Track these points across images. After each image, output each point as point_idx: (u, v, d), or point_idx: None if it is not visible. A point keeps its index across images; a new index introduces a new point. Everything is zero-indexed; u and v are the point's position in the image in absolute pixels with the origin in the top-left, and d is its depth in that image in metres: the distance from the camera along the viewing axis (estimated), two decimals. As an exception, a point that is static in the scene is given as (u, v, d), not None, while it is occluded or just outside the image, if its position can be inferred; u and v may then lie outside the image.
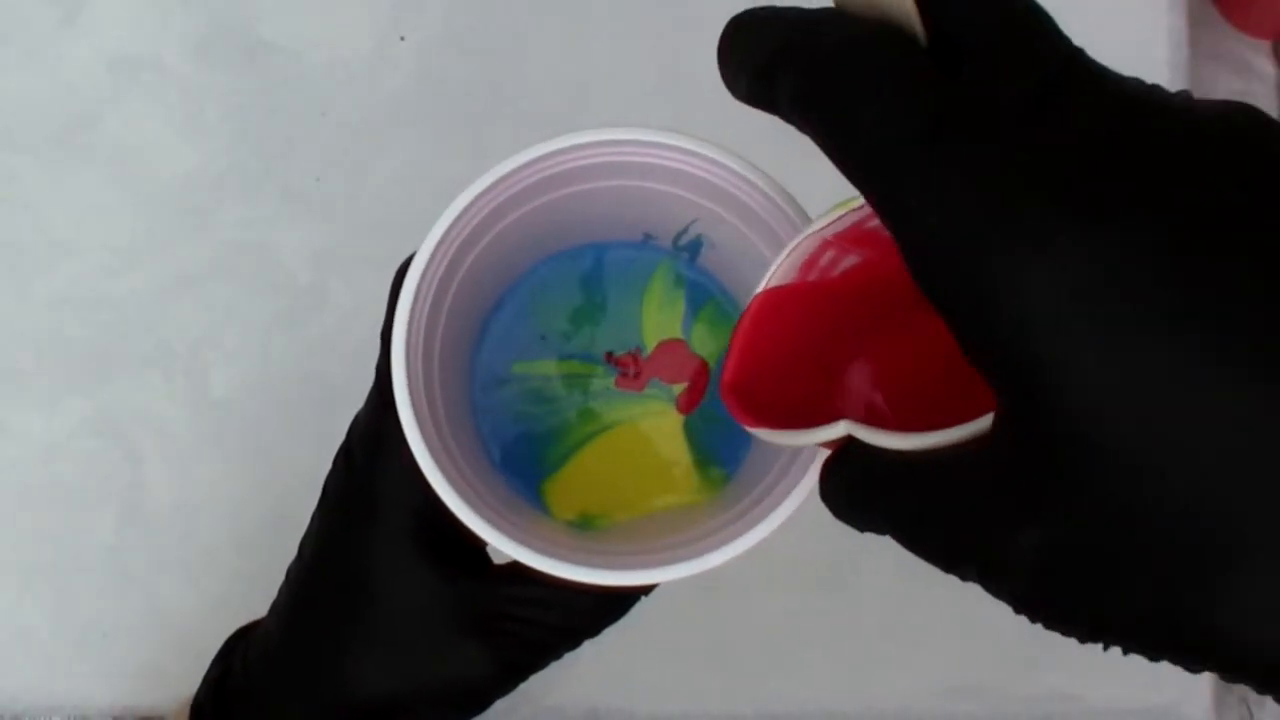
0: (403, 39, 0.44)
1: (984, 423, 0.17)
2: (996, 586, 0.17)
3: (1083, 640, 0.16)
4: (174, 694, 0.33)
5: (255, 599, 0.31)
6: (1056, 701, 0.42)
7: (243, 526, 0.42)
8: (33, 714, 0.42)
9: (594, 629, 0.28)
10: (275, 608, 0.29)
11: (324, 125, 0.44)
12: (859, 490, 0.20)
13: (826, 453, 0.21)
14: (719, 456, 0.30)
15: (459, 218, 0.26)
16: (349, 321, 0.43)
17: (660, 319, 0.31)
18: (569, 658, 0.42)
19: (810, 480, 0.25)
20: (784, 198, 0.26)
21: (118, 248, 0.43)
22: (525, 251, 0.30)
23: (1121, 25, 0.44)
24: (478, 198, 0.26)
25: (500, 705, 0.41)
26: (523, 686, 0.41)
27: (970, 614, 0.42)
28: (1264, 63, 0.48)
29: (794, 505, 0.25)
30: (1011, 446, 0.16)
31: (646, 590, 0.27)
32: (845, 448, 0.20)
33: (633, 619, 0.43)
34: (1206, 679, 0.42)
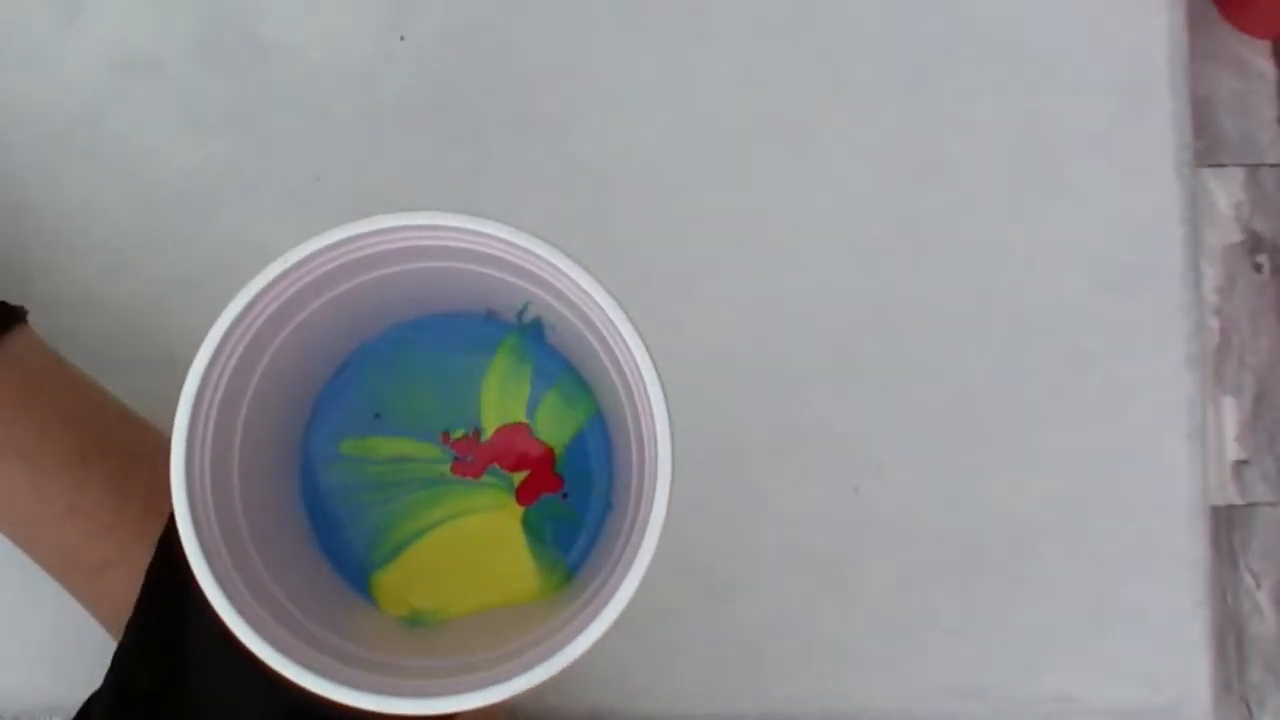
0: (403, 39, 0.44)
1: None
2: None
3: None
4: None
5: (255, 599, 0.31)
6: (1056, 701, 0.42)
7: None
8: (32, 714, 0.42)
9: None
10: (102, 691, 0.29)
11: (324, 125, 0.44)
12: None
13: (652, 552, 0.20)
14: (560, 552, 0.28)
15: (240, 316, 0.24)
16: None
17: (502, 401, 0.29)
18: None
19: (638, 574, 0.23)
20: (595, 287, 0.24)
21: (118, 248, 0.43)
22: (353, 328, 0.28)
23: (1121, 25, 0.44)
24: (266, 288, 0.24)
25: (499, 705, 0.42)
26: (523, 686, 0.41)
27: (970, 614, 0.42)
28: (1264, 63, 0.48)
29: (619, 608, 0.23)
30: None
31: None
32: None
33: (633, 619, 0.43)
34: (1207, 679, 0.42)
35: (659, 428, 0.23)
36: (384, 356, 0.29)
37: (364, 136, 0.44)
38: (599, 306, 0.24)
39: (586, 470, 0.29)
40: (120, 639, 0.29)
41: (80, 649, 0.42)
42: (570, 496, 0.28)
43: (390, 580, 0.28)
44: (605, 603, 0.23)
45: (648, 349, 0.23)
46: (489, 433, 0.29)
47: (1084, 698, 0.42)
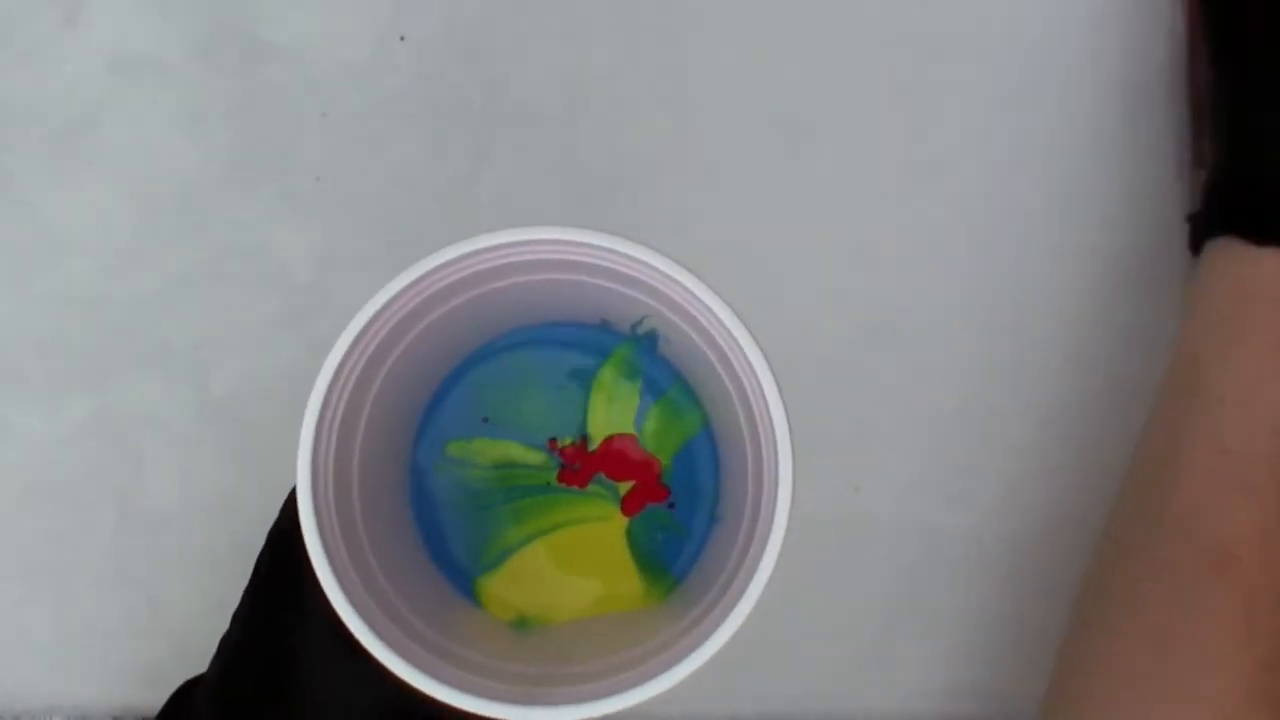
0: (403, 39, 0.44)
1: None
2: None
3: None
4: (174, 694, 0.33)
5: (255, 599, 0.31)
6: (1056, 701, 0.42)
7: (243, 526, 0.42)
8: (33, 714, 0.42)
9: None
10: (207, 683, 0.29)
11: (324, 125, 0.44)
12: None
13: (775, 559, 0.20)
14: (665, 562, 0.28)
15: (367, 326, 0.25)
16: (349, 322, 0.43)
17: (610, 410, 0.29)
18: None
19: (760, 584, 0.23)
20: (716, 301, 0.24)
21: (118, 248, 0.43)
22: (472, 336, 0.29)
23: (1122, 26, 0.44)
24: (397, 295, 0.25)
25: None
26: (523, 686, 0.41)
27: (970, 614, 0.42)
28: (1264, 63, 0.48)
29: (744, 614, 0.23)
30: None
31: None
32: None
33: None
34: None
35: (779, 439, 0.24)
36: (494, 364, 0.29)
37: (364, 136, 0.44)
38: (719, 320, 0.24)
39: (693, 482, 0.29)
40: (227, 630, 0.29)
41: (80, 649, 0.42)
42: (676, 507, 0.29)
43: (496, 585, 0.28)
44: (728, 612, 0.23)
45: (768, 362, 0.24)
46: (596, 442, 0.29)
47: (1084, 698, 0.42)
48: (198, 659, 0.32)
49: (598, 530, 0.28)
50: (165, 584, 0.42)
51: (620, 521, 0.28)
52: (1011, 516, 0.42)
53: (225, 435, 0.42)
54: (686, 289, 0.24)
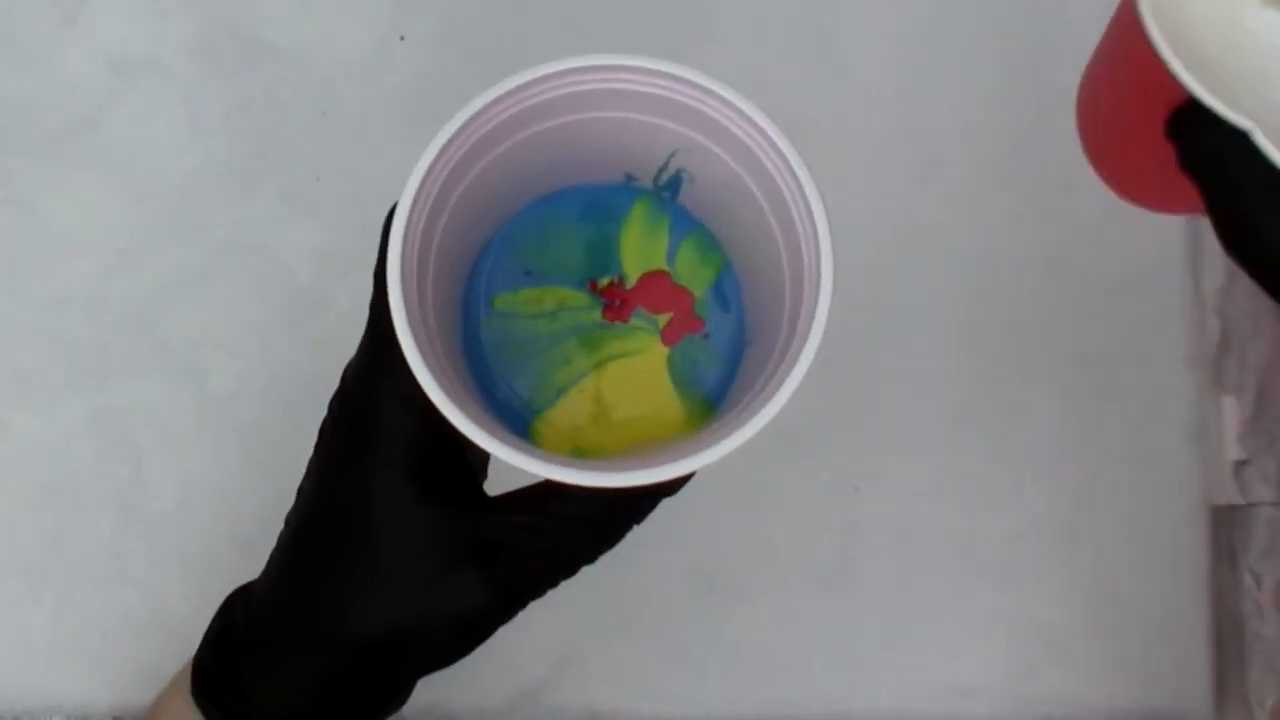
0: (403, 39, 0.44)
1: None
2: None
3: None
4: (174, 694, 0.33)
5: (255, 599, 0.31)
6: (1056, 702, 0.42)
7: (243, 526, 0.42)
8: (33, 714, 0.42)
9: (590, 555, 0.28)
10: (274, 555, 0.29)
11: (324, 125, 0.44)
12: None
13: (807, 368, 0.24)
14: (704, 388, 0.30)
15: (439, 155, 0.26)
16: (349, 321, 0.43)
17: (642, 249, 0.31)
18: (569, 661, 0.42)
19: (791, 389, 0.25)
20: (771, 126, 0.26)
21: (118, 248, 0.43)
22: (506, 194, 0.30)
23: (1121, 25, 0.44)
24: (456, 134, 0.26)
25: (501, 705, 0.42)
26: (523, 686, 0.41)
27: (970, 614, 0.42)
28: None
29: (779, 406, 0.25)
30: None
31: (639, 516, 0.28)
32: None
33: (633, 619, 0.43)
34: (1207, 679, 0.42)
35: (821, 235, 0.25)
36: (530, 222, 0.31)
37: (364, 136, 0.44)
38: (766, 136, 0.26)
39: (724, 312, 0.31)
40: (295, 501, 0.30)
41: (80, 649, 0.42)
42: (710, 337, 0.31)
43: (550, 424, 0.30)
44: (789, 371, 0.25)
45: (809, 171, 0.26)
46: (633, 279, 0.31)
47: (1084, 698, 0.42)
48: (198, 659, 0.32)
49: (642, 363, 0.31)
50: (165, 584, 0.42)
51: (661, 352, 0.30)
52: (1011, 516, 0.42)
53: (225, 435, 0.42)
54: (733, 106, 0.26)
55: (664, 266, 0.31)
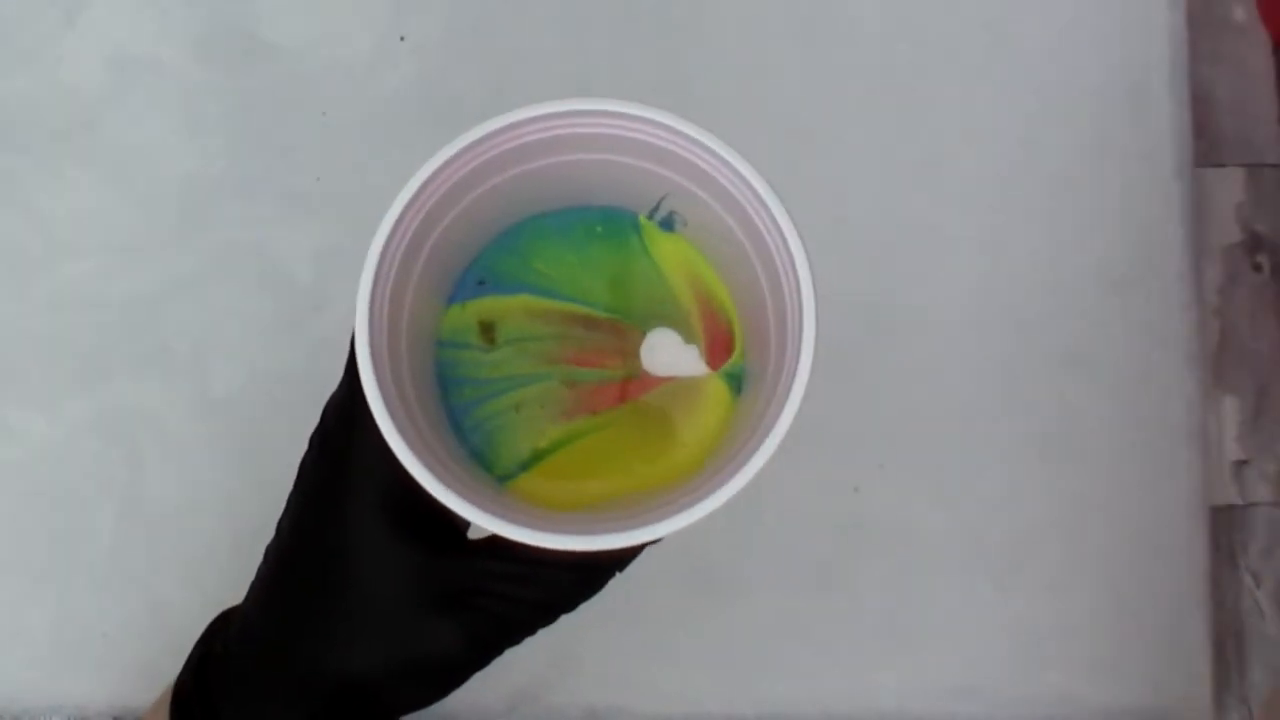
0: (403, 39, 0.44)
1: None
2: None
3: None
4: (174, 694, 0.33)
5: (255, 599, 0.31)
6: (1056, 702, 0.42)
7: (243, 526, 0.42)
8: (33, 714, 0.42)
9: (570, 604, 0.28)
10: (254, 589, 0.29)
11: (324, 125, 0.44)
12: None
13: (799, 402, 0.22)
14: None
15: (420, 190, 0.26)
16: (349, 321, 0.43)
17: (679, 252, 0.29)
18: (568, 661, 0.42)
19: (783, 429, 0.25)
20: (752, 173, 0.26)
21: (118, 248, 0.43)
22: (490, 227, 0.29)
23: (1121, 26, 0.44)
24: (438, 170, 0.26)
25: (500, 705, 0.42)
26: (522, 686, 0.41)
27: (970, 614, 0.42)
28: (1264, 63, 0.48)
29: (764, 459, 0.25)
30: None
31: (621, 565, 0.27)
32: None
33: (633, 619, 0.43)
34: (1207, 679, 0.42)
35: (804, 294, 0.25)
36: (529, 242, 0.30)
37: (364, 136, 0.44)
38: (746, 183, 0.26)
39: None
40: (273, 538, 0.29)
41: (80, 649, 0.42)
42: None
43: (529, 484, 0.29)
44: (768, 432, 0.25)
45: (792, 219, 0.25)
46: (678, 287, 0.29)
47: (1084, 698, 0.42)
48: (198, 659, 0.32)
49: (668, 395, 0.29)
50: (165, 584, 0.42)
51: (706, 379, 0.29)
52: (1011, 516, 0.42)
53: (225, 435, 0.42)
54: (719, 156, 0.26)
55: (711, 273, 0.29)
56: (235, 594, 0.37)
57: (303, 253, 0.43)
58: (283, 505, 0.30)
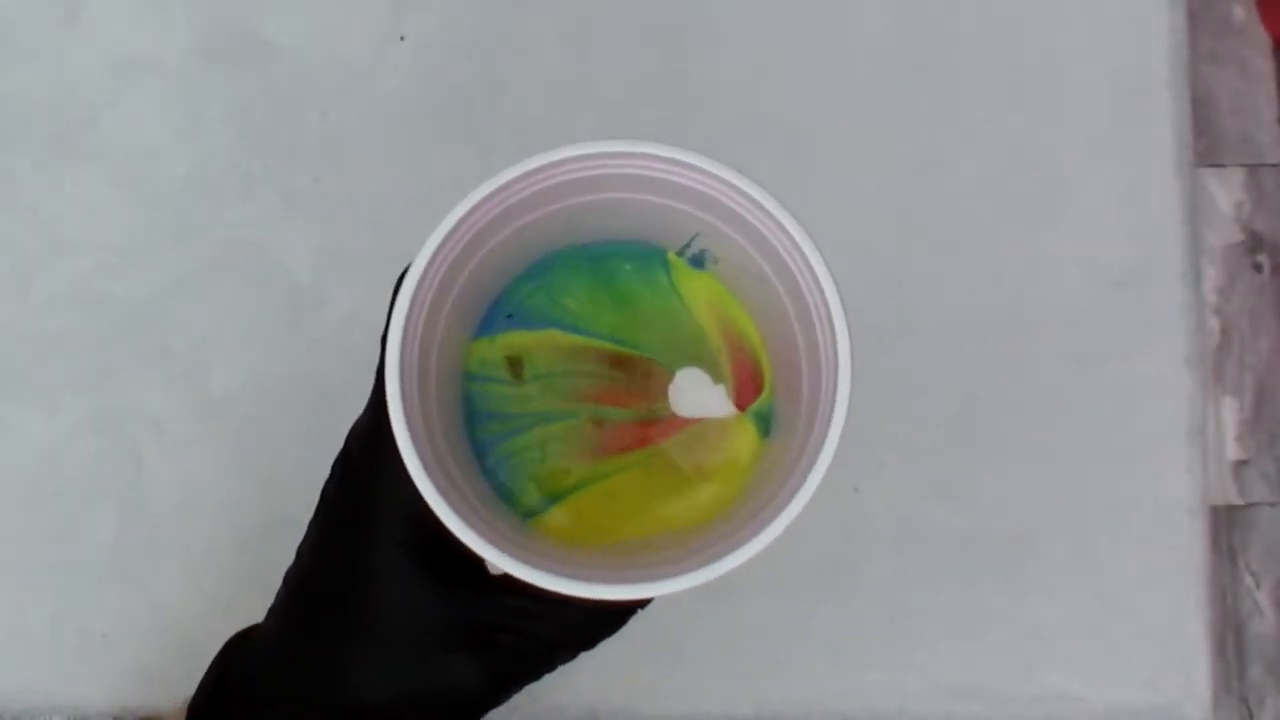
0: (403, 39, 0.44)
1: None
2: None
3: None
4: (174, 695, 0.33)
5: (255, 599, 0.31)
6: (1056, 701, 0.42)
7: (243, 526, 0.42)
8: (33, 714, 0.42)
9: (590, 642, 0.27)
10: (272, 613, 0.29)
11: (324, 125, 0.44)
12: None
13: (834, 449, 0.21)
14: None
15: (455, 229, 0.25)
16: (349, 321, 0.43)
17: (708, 288, 0.29)
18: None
19: (815, 483, 0.24)
20: (776, 205, 0.25)
21: (118, 248, 0.43)
22: (524, 259, 0.29)
23: (1121, 25, 0.44)
24: (473, 209, 0.25)
25: (500, 705, 0.41)
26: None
27: (970, 614, 0.42)
28: (1264, 63, 0.48)
29: (797, 510, 0.24)
30: None
31: (643, 604, 0.27)
32: None
33: (633, 620, 0.43)
34: (1206, 679, 0.42)
35: (840, 347, 0.25)
36: (556, 276, 0.29)
37: (364, 136, 0.44)
38: (778, 223, 0.25)
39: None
40: (293, 563, 0.29)
41: (80, 649, 0.42)
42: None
43: (553, 522, 0.28)
44: (797, 488, 0.24)
45: (824, 260, 0.25)
46: (706, 323, 0.29)
47: (1084, 698, 0.42)
48: (198, 659, 0.32)
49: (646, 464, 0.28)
50: (165, 584, 0.42)
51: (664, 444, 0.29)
52: (1011, 516, 0.42)
53: (225, 435, 0.42)
54: (752, 199, 0.25)
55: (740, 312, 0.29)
56: (235, 594, 0.37)
57: (303, 253, 0.43)
58: (283, 505, 0.30)
